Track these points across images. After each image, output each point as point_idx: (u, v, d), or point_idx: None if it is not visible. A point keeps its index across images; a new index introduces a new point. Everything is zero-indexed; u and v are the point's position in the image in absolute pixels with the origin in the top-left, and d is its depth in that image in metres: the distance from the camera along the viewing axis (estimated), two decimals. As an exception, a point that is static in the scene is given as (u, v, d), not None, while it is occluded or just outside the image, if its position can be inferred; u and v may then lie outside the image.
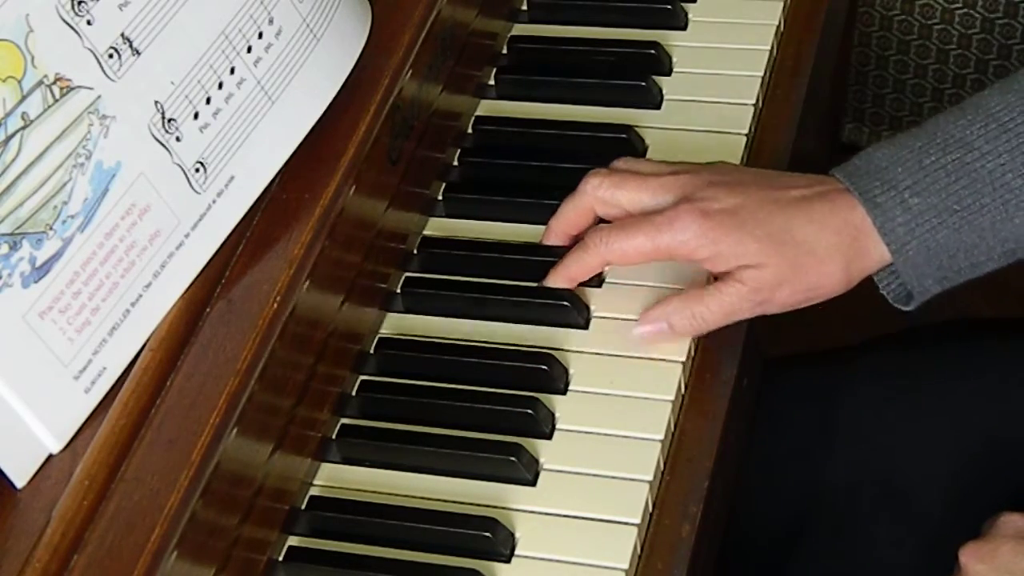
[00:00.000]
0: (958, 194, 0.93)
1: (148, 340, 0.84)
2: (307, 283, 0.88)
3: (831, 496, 1.09)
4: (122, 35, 0.82)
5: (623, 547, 0.87)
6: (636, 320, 0.97)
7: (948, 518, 1.05)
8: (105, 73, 0.81)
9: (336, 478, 0.93)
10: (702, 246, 0.94)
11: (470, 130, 1.13)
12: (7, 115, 0.76)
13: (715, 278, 0.98)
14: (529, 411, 0.93)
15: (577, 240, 1.00)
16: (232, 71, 0.88)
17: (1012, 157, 0.93)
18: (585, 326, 0.98)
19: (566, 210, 1.00)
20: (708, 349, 0.98)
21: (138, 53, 0.83)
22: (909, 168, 0.94)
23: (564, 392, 0.95)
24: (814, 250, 0.94)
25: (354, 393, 0.97)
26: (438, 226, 1.06)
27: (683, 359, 0.96)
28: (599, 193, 0.98)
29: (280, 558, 0.89)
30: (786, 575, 1.09)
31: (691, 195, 0.95)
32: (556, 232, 1.01)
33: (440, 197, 1.08)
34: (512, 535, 0.88)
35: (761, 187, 0.96)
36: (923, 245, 0.94)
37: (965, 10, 1.75)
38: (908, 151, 0.95)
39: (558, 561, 0.87)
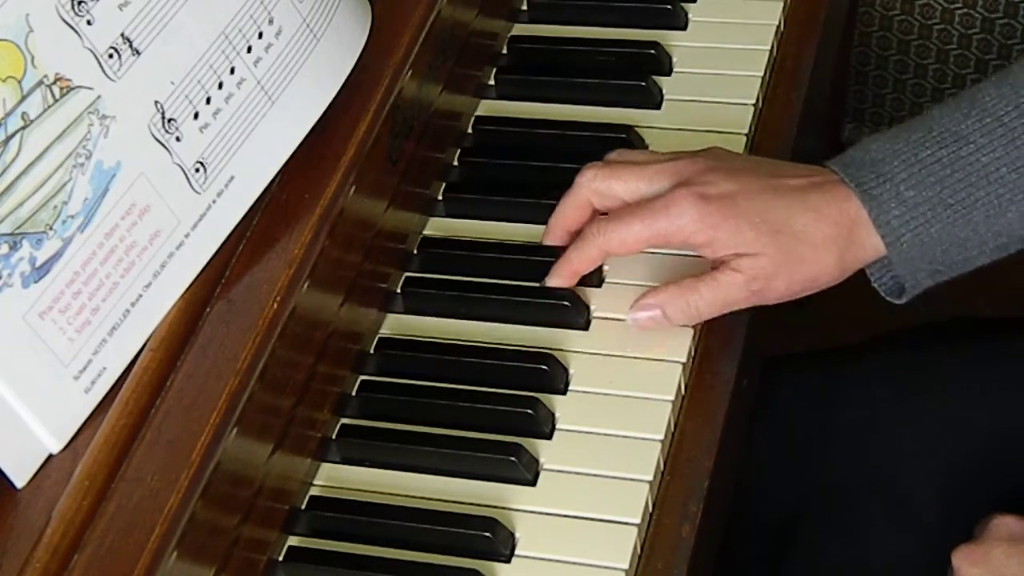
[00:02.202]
0: (952, 188, 0.93)
1: (148, 340, 0.84)
2: (307, 283, 0.88)
3: (830, 496, 1.09)
4: (122, 35, 0.82)
5: (623, 547, 0.87)
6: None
7: (947, 518, 1.05)
8: (105, 73, 0.81)
9: (336, 478, 0.93)
10: (699, 231, 0.94)
11: (470, 130, 1.13)
12: (7, 115, 0.76)
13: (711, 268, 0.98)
14: (529, 411, 0.93)
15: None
16: (232, 71, 0.88)
17: (1007, 151, 0.93)
18: (585, 327, 0.98)
19: (563, 207, 1.00)
20: (708, 349, 0.98)
21: (138, 53, 0.83)
22: (905, 161, 0.94)
23: (564, 392, 0.95)
24: (811, 240, 0.94)
25: (354, 393, 0.97)
26: (438, 226, 1.06)
27: (683, 359, 0.96)
28: (594, 185, 0.98)
29: (280, 558, 0.89)
30: (785, 574, 1.09)
31: (688, 180, 0.95)
32: (555, 229, 1.01)
33: (440, 197, 1.08)
34: (512, 535, 0.88)
35: (759, 174, 0.96)
36: (917, 238, 0.94)
37: (965, 10, 1.75)
38: (904, 144, 0.95)
39: (558, 561, 0.87)
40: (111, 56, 0.81)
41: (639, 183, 0.97)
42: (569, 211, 1.00)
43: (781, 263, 0.94)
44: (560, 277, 0.99)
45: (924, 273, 0.95)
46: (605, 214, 0.99)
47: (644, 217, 0.95)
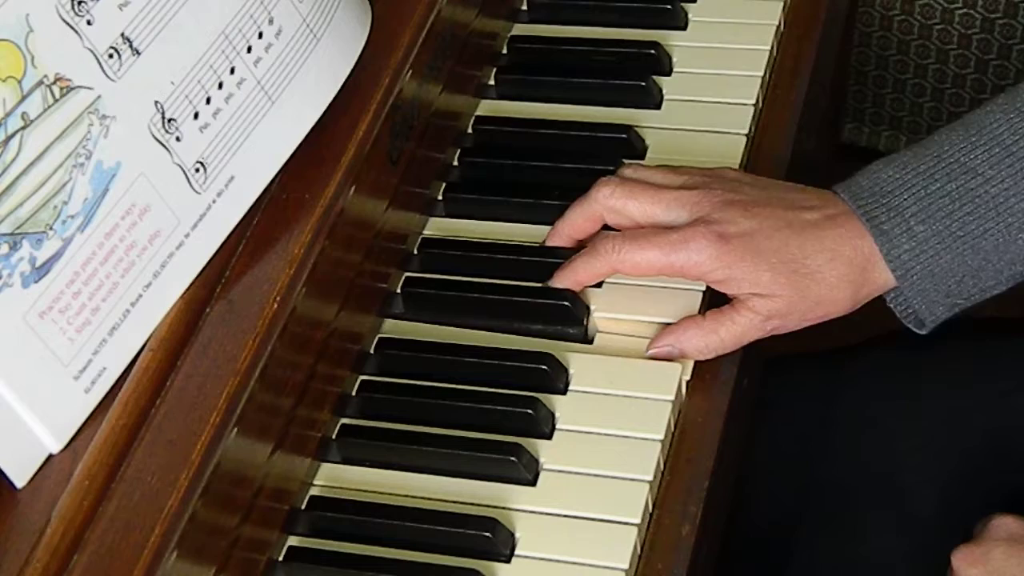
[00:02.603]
0: (962, 220, 0.94)
1: (148, 340, 0.84)
2: (307, 283, 0.88)
3: (830, 495, 1.09)
4: (122, 35, 0.82)
5: (623, 547, 0.87)
6: (636, 320, 0.98)
7: (946, 518, 1.05)
8: (105, 73, 0.81)
9: (336, 478, 0.93)
10: (716, 269, 0.94)
11: (470, 130, 1.13)
12: (7, 115, 0.76)
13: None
14: (529, 411, 0.93)
15: (581, 244, 1.01)
16: (232, 71, 0.88)
17: (1015, 181, 0.94)
18: (587, 338, 0.98)
19: (574, 215, 1.00)
20: (708, 349, 0.98)
21: (138, 53, 0.83)
22: (916, 194, 0.95)
23: (564, 392, 0.95)
24: (826, 280, 0.94)
25: (354, 393, 0.97)
26: (438, 226, 1.06)
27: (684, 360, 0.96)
28: (610, 202, 0.98)
29: (280, 558, 0.89)
30: (784, 574, 1.09)
31: (707, 216, 0.95)
32: (562, 235, 1.01)
33: (440, 197, 1.08)
34: (512, 535, 0.88)
35: (774, 207, 0.96)
36: (927, 270, 0.94)
37: (965, 10, 1.75)
38: (914, 174, 0.95)
39: (558, 561, 0.87)
40: (111, 56, 0.81)
41: (655, 208, 0.97)
42: (579, 220, 1.00)
43: (796, 303, 0.95)
44: (564, 282, 0.99)
45: (942, 306, 0.96)
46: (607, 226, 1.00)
47: (662, 246, 0.95)
